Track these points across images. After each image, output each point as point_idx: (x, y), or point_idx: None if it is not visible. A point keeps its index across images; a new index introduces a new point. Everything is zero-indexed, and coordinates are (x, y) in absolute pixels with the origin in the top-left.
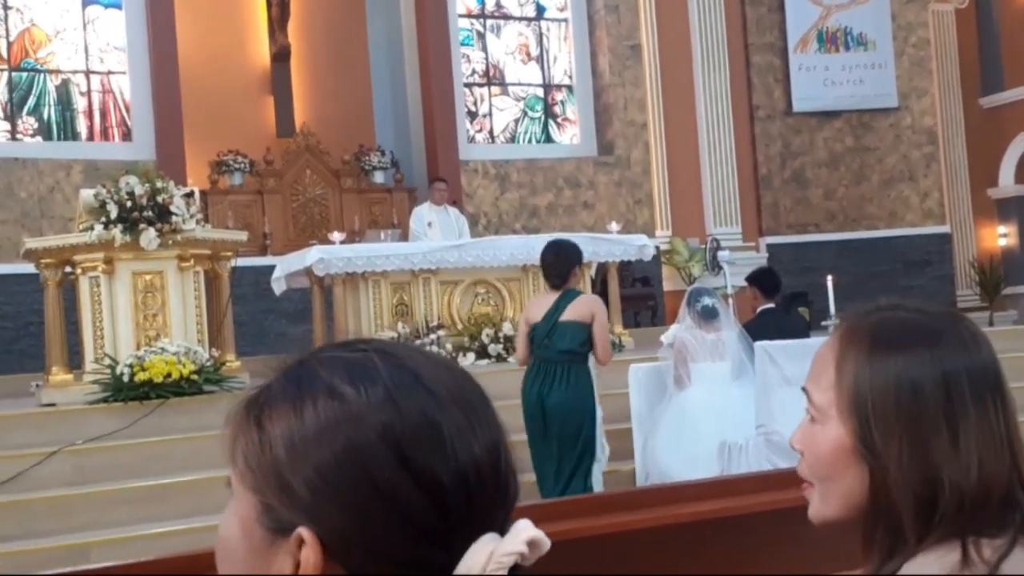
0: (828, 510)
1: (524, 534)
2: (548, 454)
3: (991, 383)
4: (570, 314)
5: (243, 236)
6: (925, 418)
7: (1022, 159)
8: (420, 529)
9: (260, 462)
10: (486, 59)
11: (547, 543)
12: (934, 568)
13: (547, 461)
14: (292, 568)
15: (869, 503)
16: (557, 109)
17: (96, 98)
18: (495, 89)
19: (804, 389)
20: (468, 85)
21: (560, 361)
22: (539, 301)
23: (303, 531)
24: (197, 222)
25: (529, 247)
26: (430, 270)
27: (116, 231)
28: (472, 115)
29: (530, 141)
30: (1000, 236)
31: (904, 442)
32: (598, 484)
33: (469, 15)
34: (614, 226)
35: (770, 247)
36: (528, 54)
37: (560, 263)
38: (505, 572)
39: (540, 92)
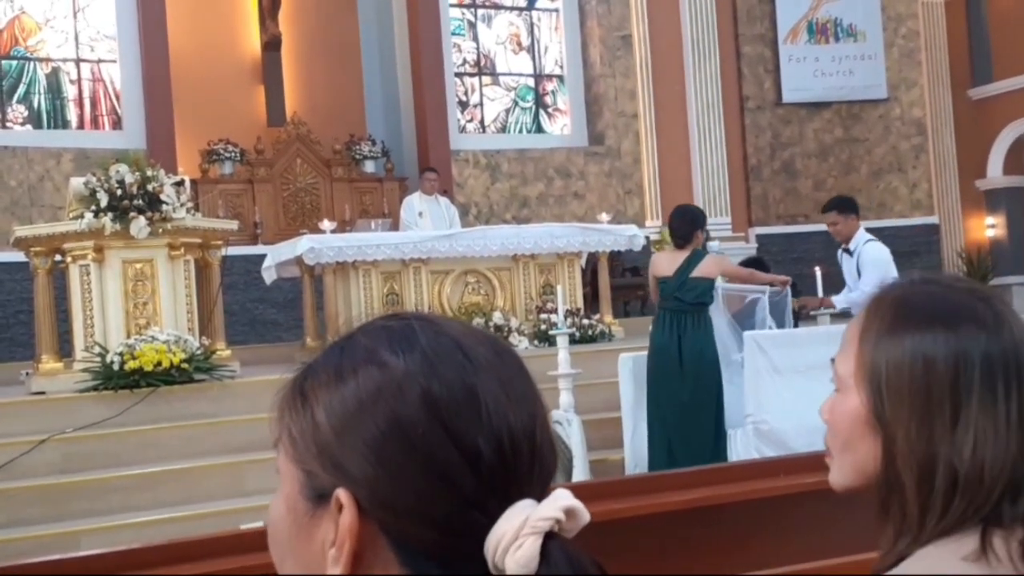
0: (844, 479)
1: (561, 501)
2: (681, 405)
3: (1007, 368)
4: (699, 271)
5: (233, 225)
6: (932, 396)
7: (1010, 150)
8: (457, 490)
9: (302, 429)
10: (477, 49)
11: (586, 514)
12: (948, 558)
13: (680, 415)
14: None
15: (881, 474)
16: (548, 99)
17: (86, 86)
18: (486, 79)
19: (832, 360)
20: (459, 75)
21: (689, 311)
22: (666, 258)
23: (340, 492)
24: (187, 211)
25: (519, 237)
26: (421, 259)
27: (106, 219)
28: (463, 105)
29: (521, 131)
30: (988, 227)
31: (912, 417)
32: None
33: (460, 4)
34: (604, 216)
35: (759, 237)
36: (519, 44)
37: (684, 225)
38: (540, 536)
39: (531, 82)
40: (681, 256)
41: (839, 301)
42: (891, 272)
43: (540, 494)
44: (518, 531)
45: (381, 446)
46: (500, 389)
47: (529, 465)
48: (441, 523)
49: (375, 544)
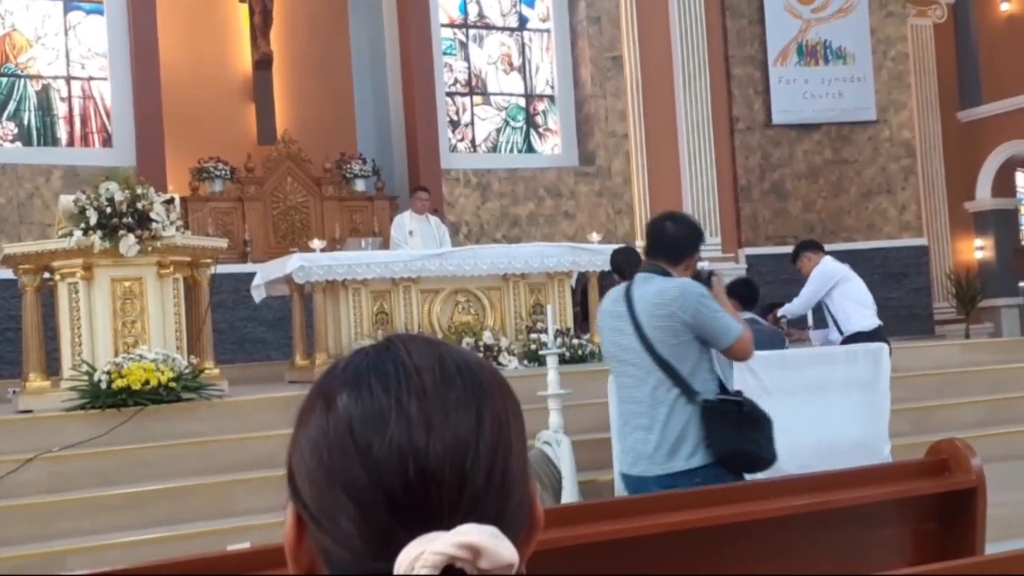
0: None
1: (460, 537)
2: None
3: None
4: None
5: (223, 243)
6: None
7: (999, 173)
8: (365, 512)
9: None
10: (468, 68)
11: (501, 554)
12: None
13: None
14: None
15: None
16: (539, 119)
17: (77, 104)
18: (477, 98)
19: None
20: (450, 94)
21: None
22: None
23: (288, 507)
24: (177, 229)
25: (510, 256)
26: (411, 279)
27: (95, 237)
28: (454, 124)
29: (512, 151)
30: (976, 249)
31: None
32: None
33: (452, 24)
34: (595, 236)
35: (749, 258)
36: (510, 64)
37: (632, 261)
38: (434, 571)
39: (522, 102)
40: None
41: (781, 310)
42: (826, 285)
43: (483, 522)
44: (412, 563)
45: (307, 460)
46: (420, 415)
47: (451, 496)
48: (352, 544)
49: (319, 561)
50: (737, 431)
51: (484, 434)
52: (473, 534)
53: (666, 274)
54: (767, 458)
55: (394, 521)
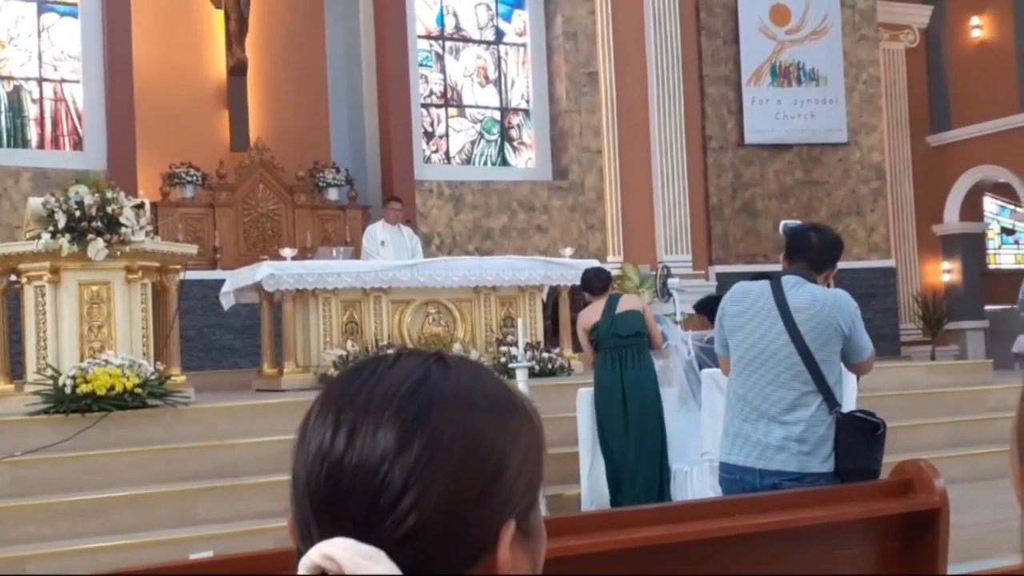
0: None
1: (325, 548)
2: (626, 440)
3: None
4: (623, 307)
5: (193, 249)
6: None
7: (967, 197)
8: (300, 509)
9: None
10: (444, 80)
11: (347, 568)
12: None
13: (625, 449)
14: None
15: None
16: (513, 133)
17: (48, 106)
18: (452, 110)
19: None
20: (425, 106)
21: (628, 345)
22: (591, 310)
23: None
24: (146, 234)
25: (482, 269)
26: (382, 289)
27: (63, 240)
28: (428, 135)
29: (486, 163)
30: (943, 272)
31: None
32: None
33: (428, 36)
34: (567, 250)
35: (719, 276)
36: (486, 77)
37: (602, 279)
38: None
39: (497, 115)
40: (601, 302)
41: None
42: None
43: (389, 538)
44: (304, 566)
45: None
46: (349, 424)
47: (359, 507)
48: (299, 536)
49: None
50: (867, 449)
51: (407, 457)
52: (338, 548)
53: (812, 281)
54: (877, 474)
55: (312, 520)
